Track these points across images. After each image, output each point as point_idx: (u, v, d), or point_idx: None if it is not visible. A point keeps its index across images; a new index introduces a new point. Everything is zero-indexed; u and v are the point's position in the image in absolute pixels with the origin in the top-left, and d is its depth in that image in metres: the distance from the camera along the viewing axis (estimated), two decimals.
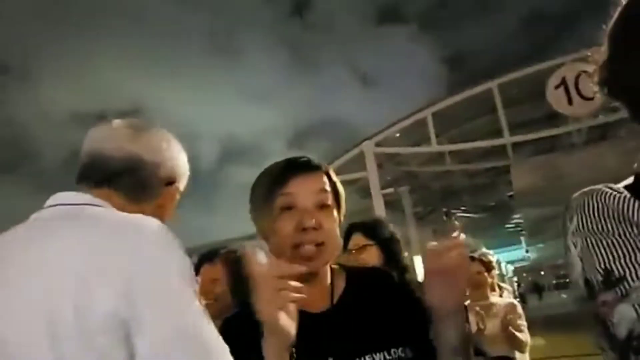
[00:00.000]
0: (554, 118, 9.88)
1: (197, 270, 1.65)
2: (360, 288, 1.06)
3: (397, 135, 10.71)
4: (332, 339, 0.97)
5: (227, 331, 0.87)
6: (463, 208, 15.50)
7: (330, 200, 1.01)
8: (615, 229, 0.59)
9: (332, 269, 1.07)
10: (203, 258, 1.85)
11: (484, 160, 11.50)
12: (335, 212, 1.02)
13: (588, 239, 0.61)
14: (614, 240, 0.59)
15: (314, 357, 0.93)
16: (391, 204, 11.47)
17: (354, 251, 1.97)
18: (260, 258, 0.86)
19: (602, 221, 0.61)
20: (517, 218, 17.77)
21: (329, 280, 1.05)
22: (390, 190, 11.33)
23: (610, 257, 0.58)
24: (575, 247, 0.63)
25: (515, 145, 10.13)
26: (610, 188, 0.64)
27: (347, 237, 2.00)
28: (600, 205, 0.62)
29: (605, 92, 0.69)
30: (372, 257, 1.95)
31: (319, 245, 0.97)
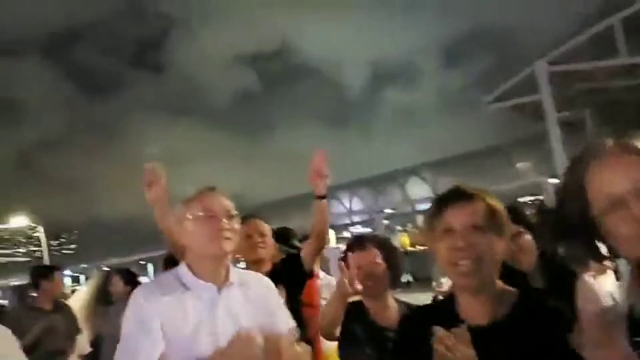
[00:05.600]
0: None
1: (349, 251, 2.02)
2: (527, 309, 1.18)
3: (575, 49, 10.04)
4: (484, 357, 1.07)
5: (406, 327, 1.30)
6: None
7: (482, 222, 1.17)
8: None
9: (501, 285, 1.21)
10: (352, 245, 2.04)
11: None
12: (492, 232, 1.17)
13: None
14: None
15: None
16: (569, 127, 10.96)
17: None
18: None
19: None
20: None
21: (495, 294, 1.19)
22: (566, 113, 10.84)
23: None
24: None
25: None
26: None
27: None
28: None
29: None
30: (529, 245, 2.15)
31: (475, 262, 1.14)
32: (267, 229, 2.64)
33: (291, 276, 2.49)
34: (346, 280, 1.92)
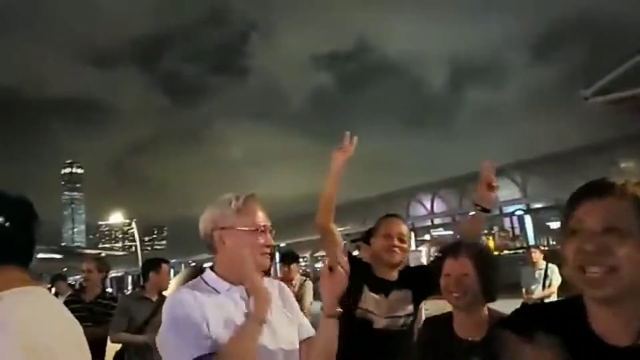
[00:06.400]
0: None
1: (441, 261, 1.93)
2: None
3: None
4: None
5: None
6: None
7: (624, 222, 0.95)
8: None
9: None
10: (446, 252, 1.94)
11: None
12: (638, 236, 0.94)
13: None
14: None
15: None
16: None
17: None
18: None
19: None
20: None
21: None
22: None
23: None
24: None
25: None
26: None
27: None
28: None
29: None
30: None
31: (610, 271, 0.94)
32: (407, 231, 2.55)
33: (417, 286, 2.46)
34: None
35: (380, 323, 2.38)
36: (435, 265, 2.02)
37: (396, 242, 2.46)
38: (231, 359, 1.42)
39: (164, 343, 1.51)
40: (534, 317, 1.11)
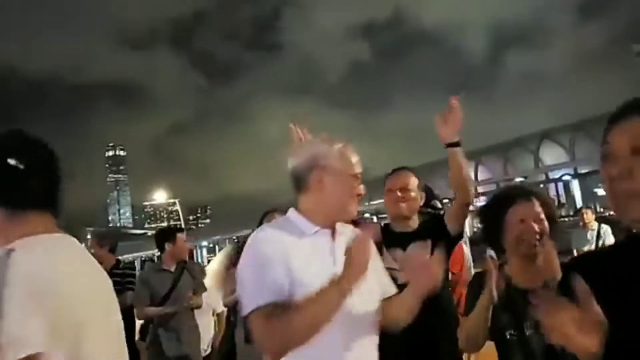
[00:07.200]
0: None
1: (509, 204, 1.76)
2: None
3: None
4: None
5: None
6: None
7: None
8: None
9: None
10: (512, 196, 1.79)
11: None
12: None
13: None
14: None
15: None
16: None
17: None
18: None
19: None
20: None
21: None
22: None
23: None
24: None
25: None
26: None
27: None
28: None
29: None
30: None
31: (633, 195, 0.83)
32: (412, 182, 2.50)
33: (436, 234, 2.37)
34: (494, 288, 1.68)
35: (403, 278, 2.27)
36: (490, 216, 1.85)
37: (399, 194, 2.44)
38: (301, 318, 1.34)
39: (242, 280, 1.46)
40: (599, 258, 1.03)
